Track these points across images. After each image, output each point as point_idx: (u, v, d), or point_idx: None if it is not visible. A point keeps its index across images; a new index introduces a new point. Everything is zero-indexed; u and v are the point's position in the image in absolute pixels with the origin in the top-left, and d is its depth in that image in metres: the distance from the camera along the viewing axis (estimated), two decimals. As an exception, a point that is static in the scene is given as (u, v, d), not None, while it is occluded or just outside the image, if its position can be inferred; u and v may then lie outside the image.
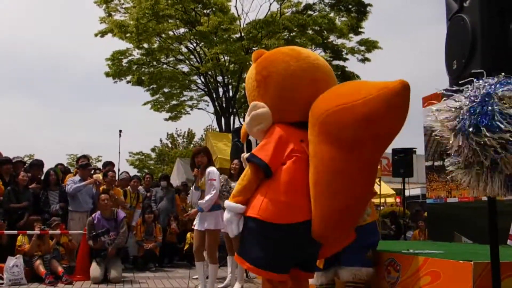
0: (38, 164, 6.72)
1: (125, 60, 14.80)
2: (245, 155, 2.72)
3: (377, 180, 10.36)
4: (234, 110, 14.95)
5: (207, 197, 4.27)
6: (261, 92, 2.42)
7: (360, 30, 14.19)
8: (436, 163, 6.15)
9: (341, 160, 2.08)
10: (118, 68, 14.67)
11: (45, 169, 6.68)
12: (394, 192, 12.52)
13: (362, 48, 14.59)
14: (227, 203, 2.32)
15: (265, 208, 2.18)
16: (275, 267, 2.19)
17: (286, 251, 2.20)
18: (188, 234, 7.10)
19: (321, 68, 2.42)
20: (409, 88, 2.01)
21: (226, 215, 2.33)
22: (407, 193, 9.94)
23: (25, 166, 6.85)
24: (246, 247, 2.28)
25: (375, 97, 1.99)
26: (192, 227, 4.63)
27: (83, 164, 6.64)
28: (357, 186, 2.13)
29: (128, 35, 13.35)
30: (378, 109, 1.98)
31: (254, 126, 2.43)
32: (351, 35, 14.29)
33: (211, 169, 4.35)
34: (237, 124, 14.12)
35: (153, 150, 25.98)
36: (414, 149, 8.58)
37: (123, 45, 14.36)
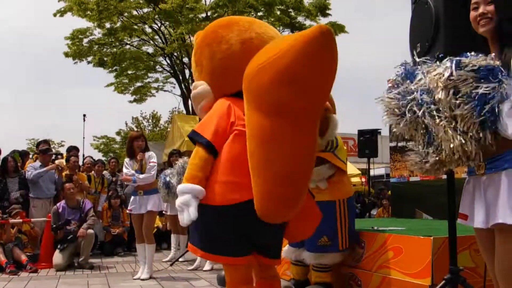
0: (-6, 150, 6.41)
1: (85, 40, 14.21)
2: None
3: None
4: (201, 92, 14.74)
5: (145, 175, 4.58)
6: (199, 70, 2.33)
7: (327, 12, 14.22)
8: (399, 144, 6.35)
9: (269, 126, 1.88)
10: (78, 48, 14.07)
11: (2, 155, 6.38)
12: (360, 172, 12.86)
13: (329, 31, 14.67)
14: (182, 186, 2.04)
15: (208, 190, 2.02)
16: (228, 251, 2.04)
17: (234, 233, 2.03)
18: (157, 218, 7.04)
19: (256, 28, 2.26)
20: (329, 33, 1.77)
21: (181, 198, 2.01)
22: (372, 172, 10.26)
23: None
24: (194, 234, 2.11)
25: (290, 49, 1.76)
26: (127, 211, 4.84)
27: (44, 149, 6.40)
28: (289, 153, 1.90)
29: (88, 13, 12.78)
30: (292, 63, 1.76)
31: (197, 107, 2.32)
32: (319, 17, 14.30)
33: (152, 153, 4.77)
34: (204, 107, 13.94)
35: (118, 133, 25.35)
36: (379, 130, 8.83)
37: (83, 23, 13.77)
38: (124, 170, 4.70)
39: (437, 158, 1.65)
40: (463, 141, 1.53)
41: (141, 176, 4.56)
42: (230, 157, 2.03)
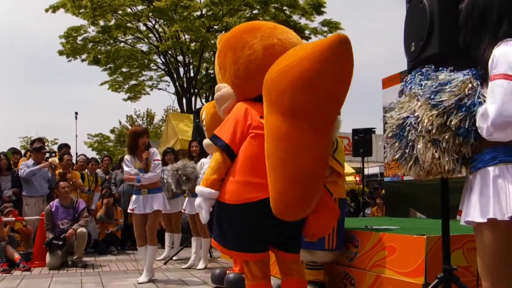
0: (-13, 148, 6.38)
1: (80, 38, 14.12)
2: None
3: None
4: (196, 90, 14.71)
5: (150, 174, 4.32)
6: (222, 73, 2.43)
7: (322, 10, 14.23)
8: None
9: (285, 128, 1.98)
10: (72, 46, 13.98)
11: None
12: (354, 171, 12.91)
13: (325, 28, 14.68)
14: (197, 187, 2.24)
15: (223, 190, 2.16)
16: (245, 247, 2.17)
17: (249, 230, 2.16)
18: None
19: (278, 34, 2.36)
20: (347, 42, 1.85)
21: (196, 200, 2.24)
22: (366, 171, 10.30)
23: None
24: (216, 230, 2.25)
25: (308, 56, 1.86)
26: (129, 211, 4.52)
27: (37, 147, 6.36)
28: (305, 155, 1.99)
29: (82, 10, 12.70)
30: (310, 68, 1.85)
31: (220, 108, 2.43)
32: (314, 15, 14.32)
33: (155, 150, 4.52)
34: (198, 105, 13.93)
35: (112, 131, 25.29)
36: (373, 129, 8.85)
37: (77, 21, 13.68)
38: (125, 168, 4.39)
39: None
40: (439, 156, 1.71)
41: (146, 175, 4.28)
42: (246, 158, 2.14)
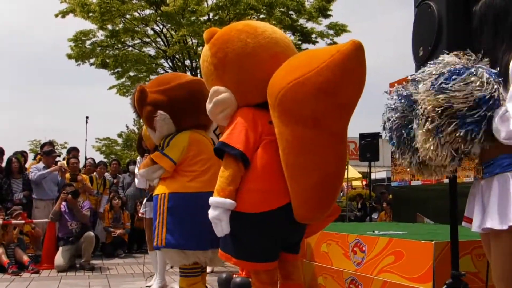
0: (-1, 151, 6.46)
1: (88, 42, 14.25)
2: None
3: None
4: (203, 94, 14.74)
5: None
6: (220, 75, 2.28)
7: (328, 13, 14.23)
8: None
9: (307, 137, 1.98)
10: (81, 50, 14.11)
11: (5, 157, 6.41)
12: (361, 176, 12.86)
13: (331, 32, 14.67)
14: (213, 199, 2.08)
15: (242, 199, 2.07)
16: (261, 258, 2.11)
17: (269, 239, 2.11)
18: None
19: (280, 42, 2.30)
20: (362, 48, 1.91)
21: (213, 212, 2.07)
22: (373, 176, 10.26)
23: (-17, 154, 6.54)
24: (228, 242, 2.14)
25: (328, 65, 1.88)
26: (140, 215, 4.54)
27: (47, 151, 6.44)
28: (328, 160, 2.01)
29: (91, 14, 12.83)
30: (333, 78, 1.88)
31: (218, 114, 2.29)
32: (320, 18, 14.32)
33: None
34: (206, 109, 13.92)
35: (120, 135, 25.42)
36: (380, 134, 8.81)
37: (86, 25, 13.83)
38: (136, 170, 4.50)
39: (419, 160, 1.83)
40: (435, 147, 1.65)
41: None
42: (261, 165, 2.09)
